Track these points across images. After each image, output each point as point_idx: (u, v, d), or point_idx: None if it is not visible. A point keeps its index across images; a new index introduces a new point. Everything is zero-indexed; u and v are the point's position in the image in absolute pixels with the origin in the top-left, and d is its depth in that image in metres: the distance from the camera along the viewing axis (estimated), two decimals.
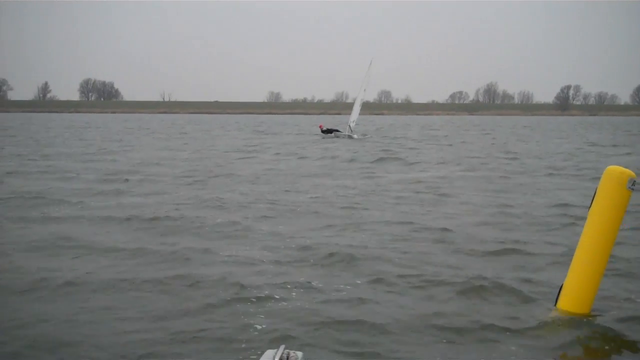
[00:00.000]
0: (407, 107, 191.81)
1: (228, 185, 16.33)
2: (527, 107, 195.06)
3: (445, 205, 13.29)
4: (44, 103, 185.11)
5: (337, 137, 42.54)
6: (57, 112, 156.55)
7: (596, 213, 5.85)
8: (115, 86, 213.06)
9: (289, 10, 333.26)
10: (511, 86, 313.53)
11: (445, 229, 10.48)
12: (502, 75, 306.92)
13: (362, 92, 45.62)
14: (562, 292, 6.14)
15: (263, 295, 6.79)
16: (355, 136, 42.21)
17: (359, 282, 7.40)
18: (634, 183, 5.76)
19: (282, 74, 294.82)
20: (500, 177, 18.50)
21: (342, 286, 7.20)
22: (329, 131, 43.88)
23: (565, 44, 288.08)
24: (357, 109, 44.66)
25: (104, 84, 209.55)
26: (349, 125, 43.33)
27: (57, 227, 10.64)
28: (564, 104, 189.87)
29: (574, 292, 6.04)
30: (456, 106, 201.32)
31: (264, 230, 10.36)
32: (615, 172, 5.78)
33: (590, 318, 6.08)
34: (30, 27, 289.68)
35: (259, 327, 5.89)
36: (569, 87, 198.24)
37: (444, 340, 5.70)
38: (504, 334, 5.86)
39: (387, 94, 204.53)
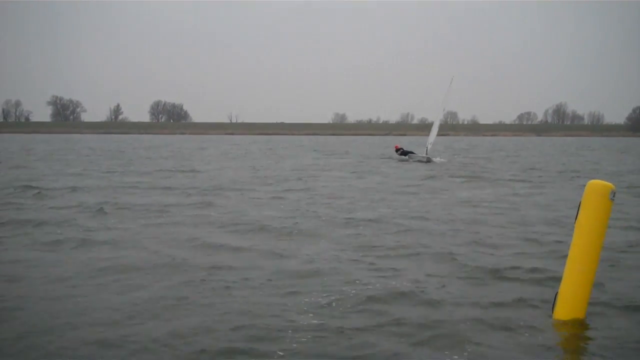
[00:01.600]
0: (474, 128, 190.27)
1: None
2: (597, 128, 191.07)
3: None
4: (116, 124, 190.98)
5: (412, 159, 39.14)
6: (128, 133, 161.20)
7: (583, 224, 6.29)
8: (185, 107, 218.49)
9: (351, 32, 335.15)
10: (581, 106, 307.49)
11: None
12: (572, 95, 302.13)
13: (441, 112, 42.66)
14: (558, 301, 6.56)
15: None
16: (437, 159, 38.40)
17: None
18: (614, 194, 6.22)
19: (347, 94, 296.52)
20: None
21: None
22: (404, 153, 40.74)
23: (638, 62, 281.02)
24: (435, 130, 41.10)
25: (173, 105, 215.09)
26: (427, 147, 39.38)
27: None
28: (635, 125, 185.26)
29: (569, 299, 6.47)
30: (524, 127, 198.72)
31: None
32: (598, 185, 6.25)
33: (585, 322, 6.52)
34: (101, 49, 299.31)
35: None
36: None
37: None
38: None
39: (453, 114, 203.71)
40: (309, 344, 5.97)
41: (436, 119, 42.18)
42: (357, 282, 8.16)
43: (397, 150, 41.83)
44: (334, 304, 7.18)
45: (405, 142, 51.53)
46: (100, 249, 10.35)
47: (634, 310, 7.17)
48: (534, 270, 8.84)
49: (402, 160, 39.05)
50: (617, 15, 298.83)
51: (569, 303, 6.47)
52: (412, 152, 40.51)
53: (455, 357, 5.79)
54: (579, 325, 6.47)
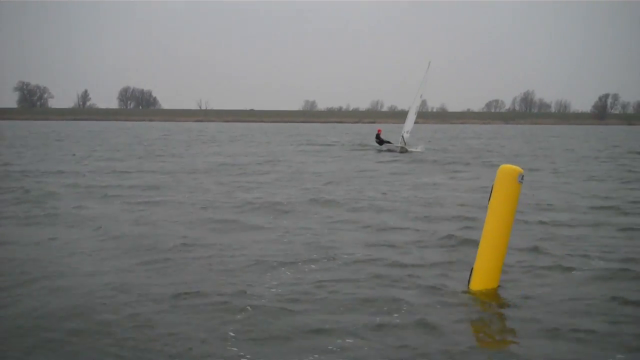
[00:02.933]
0: (443, 116, 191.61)
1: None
2: (564, 116, 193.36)
3: None
4: (83, 111, 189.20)
5: (390, 150, 37.20)
6: (96, 119, 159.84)
7: (495, 204, 6.86)
8: (153, 94, 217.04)
9: (321, 18, 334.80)
10: (548, 94, 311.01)
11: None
12: (539, 83, 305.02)
13: (418, 99, 39.19)
14: (473, 274, 7.13)
15: None
16: (415, 149, 36.44)
17: None
18: (522, 177, 6.78)
19: (317, 82, 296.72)
20: None
21: None
22: (380, 142, 39.07)
23: (603, 52, 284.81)
24: (412, 117, 38.45)
25: (142, 92, 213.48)
26: (402, 136, 37.24)
27: None
28: (601, 113, 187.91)
29: (482, 272, 7.03)
30: (492, 115, 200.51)
31: None
32: (508, 169, 6.81)
33: (497, 292, 7.13)
34: (69, 35, 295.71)
35: None
36: (607, 96, 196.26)
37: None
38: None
39: (422, 102, 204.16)
40: None
41: (412, 105, 39.64)
42: None
43: (378, 135, 40.02)
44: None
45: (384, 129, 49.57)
46: None
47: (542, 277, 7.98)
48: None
49: (380, 150, 37.65)
50: (585, 5, 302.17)
51: (482, 276, 7.03)
52: (388, 142, 38.89)
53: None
54: (493, 294, 7.07)
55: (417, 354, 5.63)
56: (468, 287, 7.24)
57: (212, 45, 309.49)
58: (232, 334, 5.96)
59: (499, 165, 6.94)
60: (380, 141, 39.07)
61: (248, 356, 5.55)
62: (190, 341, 5.83)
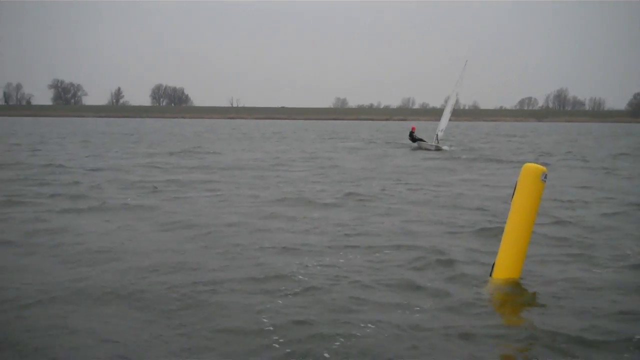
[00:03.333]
0: (475, 113, 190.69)
1: None
2: (598, 114, 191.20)
3: None
4: (117, 108, 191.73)
5: (421, 148, 36.90)
6: (129, 117, 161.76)
7: (518, 201, 7.16)
8: (186, 92, 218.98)
9: (351, 15, 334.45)
10: (582, 92, 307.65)
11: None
12: (573, 81, 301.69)
13: (454, 97, 38.87)
14: (496, 265, 7.45)
15: None
16: (445, 147, 36.01)
17: None
18: (545, 176, 7.07)
19: (348, 79, 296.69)
20: None
21: None
22: (414, 140, 38.50)
23: (638, 48, 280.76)
24: (447, 115, 38.05)
25: (174, 89, 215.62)
26: (437, 135, 36.97)
27: None
28: (636, 111, 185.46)
29: (505, 264, 7.37)
30: (525, 112, 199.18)
31: None
32: (531, 168, 7.10)
33: (519, 281, 7.46)
34: (104, 34, 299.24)
35: None
36: None
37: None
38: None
39: (448, 99, 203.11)
40: None
41: (448, 104, 39.41)
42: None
43: (412, 132, 39.33)
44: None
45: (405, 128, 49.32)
46: None
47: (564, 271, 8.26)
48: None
49: (413, 148, 37.10)
50: (620, 3, 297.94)
51: (504, 268, 7.36)
52: (421, 140, 38.19)
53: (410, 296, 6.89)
54: (515, 282, 7.42)
55: (437, 333, 6.03)
56: (490, 278, 7.56)
57: (243, 45, 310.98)
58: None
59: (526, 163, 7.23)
60: (413, 139, 38.56)
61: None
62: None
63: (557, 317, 6.46)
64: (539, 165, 7.08)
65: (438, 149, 35.37)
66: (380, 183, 18.55)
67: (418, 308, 6.71)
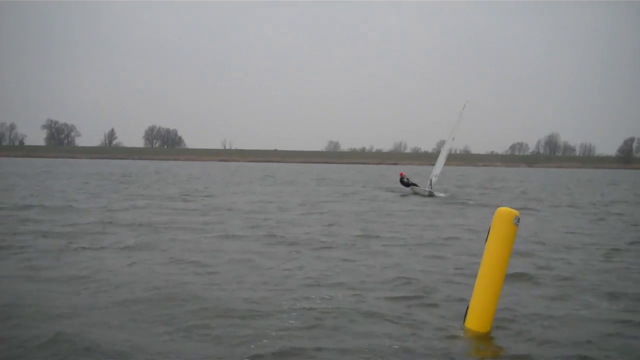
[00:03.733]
0: (466, 158, 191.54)
1: None
2: (589, 160, 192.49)
3: None
4: (110, 149, 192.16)
5: (415, 193, 36.20)
6: (122, 158, 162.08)
7: (492, 245, 7.16)
8: (179, 133, 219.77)
9: (345, 60, 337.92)
10: (573, 138, 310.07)
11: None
12: (564, 126, 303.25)
13: (449, 141, 36.86)
14: (469, 312, 7.42)
15: None
16: (440, 194, 34.64)
17: None
18: (518, 220, 7.09)
19: (341, 122, 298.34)
20: None
21: None
22: (407, 184, 37.82)
23: (628, 95, 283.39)
24: (442, 160, 36.45)
25: (167, 131, 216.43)
26: (430, 180, 35.83)
27: None
28: (627, 157, 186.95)
29: (477, 312, 7.34)
30: (516, 157, 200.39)
31: None
32: (505, 212, 7.13)
33: (490, 335, 7.39)
34: (97, 74, 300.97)
35: None
36: (632, 140, 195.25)
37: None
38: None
39: (444, 144, 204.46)
40: None
41: (444, 148, 37.76)
42: None
43: (402, 178, 38.79)
44: None
45: (407, 172, 47.73)
46: None
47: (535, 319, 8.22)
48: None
49: (404, 194, 36.22)
50: (611, 48, 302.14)
51: (477, 315, 7.34)
52: (414, 185, 37.48)
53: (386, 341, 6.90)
54: (486, 335, 7.36)
55: None
56: (463, 324, 7.55)
57: (236, 87, 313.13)
58: None
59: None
60: (406, 184, 37.86)
61: None
62: None
63: None
64: (512, 209, 7.12)
65: (431, 194, 34.30)
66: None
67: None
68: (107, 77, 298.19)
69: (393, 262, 12.24)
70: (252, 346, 6.82)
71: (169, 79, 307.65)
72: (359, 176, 69.01)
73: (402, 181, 38.32)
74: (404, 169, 56.04)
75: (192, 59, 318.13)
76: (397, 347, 6.96)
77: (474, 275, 8.04)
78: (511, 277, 9.94)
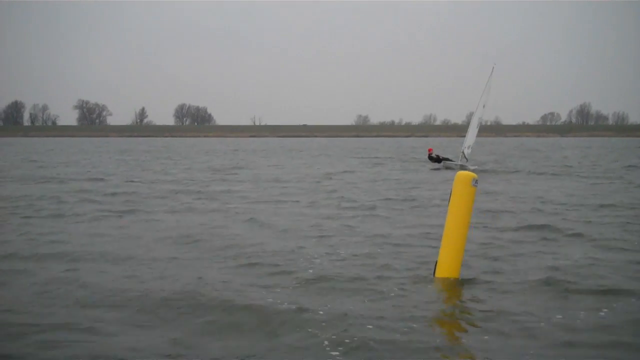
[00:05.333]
0: (497, 129, 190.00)
1: None
2: (622, 129, 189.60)
3: None
4: (141, 128, 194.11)
5: (448, 168, 33.45)
6: (153, 136, 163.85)
7: (454, 205, 7.93)
8: (209, 111, 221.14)
9: (376, 33, 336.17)
10: (605, 106, 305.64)
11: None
12: (596, 95, 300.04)
13: (480, 109, 34.15)
14: (438, 265, 8.23)
15: None
16: (471, 167, 31.76)
17: None
18: (476, 182, 7.87)
19: (369, 96, 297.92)
20: None
21: None
22: (437, 159, 35.17)
23: None
24: (474, 130, 34.11)
25: (197, 108, 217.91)
26: (463, 152, 33.66)
27: None
28: None
29: (445, 264, 8.15)
30: (547, 127, 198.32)
31: None
32: (464, 176, 7.93)
33: (459, 280, 8.24)
34: (128, 54, 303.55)
35: None
36: None
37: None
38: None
39: (474, 113, 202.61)
40: None
41: (474, 117, 35.13)
42: None
43: (430, 154, 36.05)
44: None
45: (436, 145, 45.37)
46: None
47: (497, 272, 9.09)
48: None
49: (435, 169, 33.98)
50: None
51: (445, 266, 8.14)
52: (447, 159, 35.18)
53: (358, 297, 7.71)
54: (454, 282, 8.17)
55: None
56: (433, 276, 8.34)
57: (265, 63, 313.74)
58: None
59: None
60: (436, 159, 35.31)
61: None
62: None
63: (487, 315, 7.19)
64: (470, 173, 7.91)
65: (465, 168, 30.73)
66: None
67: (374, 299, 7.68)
68: (137, 57, 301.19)
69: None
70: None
71: (199, 57, 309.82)
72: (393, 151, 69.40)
73: (430, 157, 35.93)
74: (433, 141, 55.99)
75: (220, 37, 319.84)
76: (373, 297, 7.78)
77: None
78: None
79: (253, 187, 22.83)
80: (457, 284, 8.10)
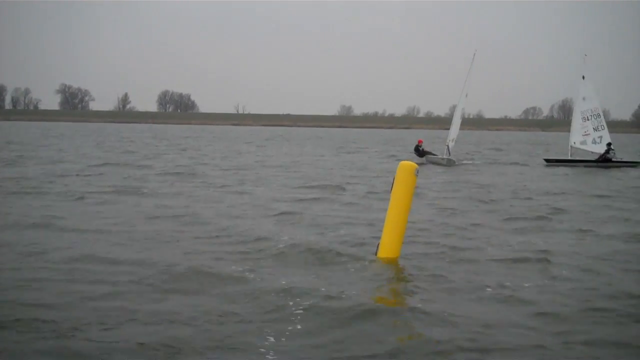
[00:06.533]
0: (479, 123, 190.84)
1: None
2: None
3: None
4: (124, 114, 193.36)
5: (432, 162, 32.30)
6: (135, 122, 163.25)
7: (396, 192, 8.66)
8: (192, 98, 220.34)
9: (356, 23, 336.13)
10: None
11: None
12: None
13: (463, 98, 33.42)
14: (380, 245, 8.96)
15: None
16: (457, 162, 31.44)
17: None
18: (417, 171, 8.62)
19: (353, 87, 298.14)
20: None
21: None
22: (421, 153, 33.53)
23: None
24: (457, 122, 33.16)
25: (181, 95, 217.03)
26: (447, 146, 32.35)
27: None
28: None
29: (387, 245, 8.89)
30: (529, 122, 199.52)
31: None
32: (406, 165, 8.68)
33: (399, 260, 9.04)
34: (110, 38, 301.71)
35: None
36: None
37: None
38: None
39: (458, 104, 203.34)
40: None
41: (457, 108, 34.39)
42: None
43: (418, 146, 34.22)
44: None
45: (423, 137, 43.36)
46: None
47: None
48: None
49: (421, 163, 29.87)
50: (625, 13, 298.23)
51: (387, 247, 8.87)
52: (430, 153, 33.90)
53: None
54: (394, 262, 8.95)
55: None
56: (376, 256, 9.06)
57: (249, 52, 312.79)
58: None
59: None
60: (420, 153, 33.69)
61: None
62: None
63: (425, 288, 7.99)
64: (412, 163, 8.69)
65: (450, 162, 30.84)
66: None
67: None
68: (120, 42, 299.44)
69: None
70: None
71: (183, 44, 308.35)
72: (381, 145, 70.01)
73: (417, 149, 34.18)
74: (417, 133, 56.22)
75: (204, 24, 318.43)
76: (322, 276, 8.50)
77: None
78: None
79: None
80: (397, 262, 8.89)
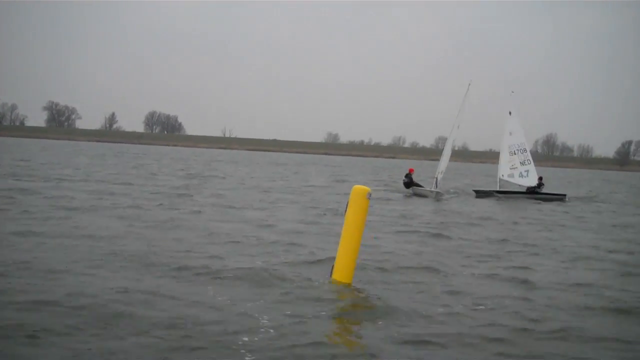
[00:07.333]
0: (464, 155, 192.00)
1: None
2: (586, 161, 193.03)
3: None
4: (110, 133, 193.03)
5: (418, 195, 31.15)
6: (122, 142, 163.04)
7: (350, 215, 9.04)
8: (179, 120, 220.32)
9: (347, 52, 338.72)
10: (571, 138, 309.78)
11: None
12: (562, 127, 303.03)
13: (455, 130, 33.01)
14: (334, 268, 9.32)
15: None
16: (446, 195, 31.22)
17: None
18: (370, 195, 8.98)
19: (340, 114, 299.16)
20: None
21: None
22: (407, 184, 32.72)
23: (627, 97, 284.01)
24: (447, 154, 32.25)
25: (168, 117, 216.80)
26: (436, 178, 31.25)
27: None
28: (624, 159, 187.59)
29: (341, 267, 9.23)
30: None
31: None
32: (359, 189, 9.06)
33: (351, 286, 9.34)
34: (99, 57, 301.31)
35: None
36: (630, 143, 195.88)
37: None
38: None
39: (443, 140, 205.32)
40: None
41: (449, 139, 33.90)
42: None
43: (409, 174, 33.07)
44: None
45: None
46: None
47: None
48: None
49: (408, 195, 31.22)
50: (612, 49, 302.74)
51: (341, 269, 9.20)
52: (418, 185, 32.57)
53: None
54: (347, 286, 9.29)
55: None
56: (330, 278, 9.43)
57: (238, 74, 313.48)
58: None
59: None
60: (408, 183, 32.77)
61: None
62: None
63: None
64: (364, 187, 9.04)
65: (439, 196, 30.11)
66: None
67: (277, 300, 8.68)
68: (108, 62, 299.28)
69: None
70: None
71: (171, 65, 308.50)
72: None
73: (407, 177, 33.03)
74: (403, 163, 56.48)
75: (194, 46, 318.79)
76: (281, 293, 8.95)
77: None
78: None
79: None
80: (349, 286, 9.25)
